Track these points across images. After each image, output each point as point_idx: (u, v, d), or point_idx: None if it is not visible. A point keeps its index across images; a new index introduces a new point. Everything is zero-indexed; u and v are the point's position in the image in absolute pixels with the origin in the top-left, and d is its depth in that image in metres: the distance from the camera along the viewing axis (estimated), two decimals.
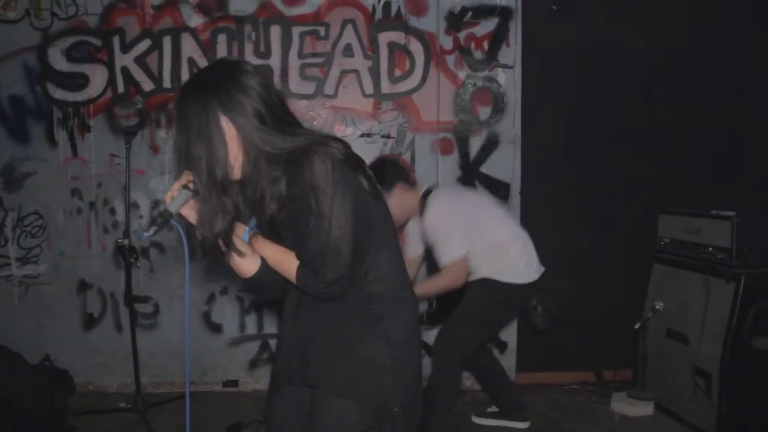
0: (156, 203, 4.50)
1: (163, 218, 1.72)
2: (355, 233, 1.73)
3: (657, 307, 4.20)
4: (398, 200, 3.49)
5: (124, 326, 4.52)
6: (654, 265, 4.40)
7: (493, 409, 4.10)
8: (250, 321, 4.61)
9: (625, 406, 4.22)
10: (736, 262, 3.78)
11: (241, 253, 1.82)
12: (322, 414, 1.84)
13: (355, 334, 1.84)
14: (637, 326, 4.23)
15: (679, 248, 4.24)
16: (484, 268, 3.60)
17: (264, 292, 1.95)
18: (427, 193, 3.59)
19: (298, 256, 1.78)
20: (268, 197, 1.76)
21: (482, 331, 3.82)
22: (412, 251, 3.82)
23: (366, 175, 1.81)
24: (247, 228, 1.86)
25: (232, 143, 1.73)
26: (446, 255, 3.51)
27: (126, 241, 3.94)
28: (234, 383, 4.62)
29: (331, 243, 1.69)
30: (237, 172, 1.77)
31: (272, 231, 1.83)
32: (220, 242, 1.79)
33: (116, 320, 4.57)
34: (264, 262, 1.87)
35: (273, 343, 4.50)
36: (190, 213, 1.79)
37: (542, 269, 3.70)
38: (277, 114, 1.77)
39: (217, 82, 1.75)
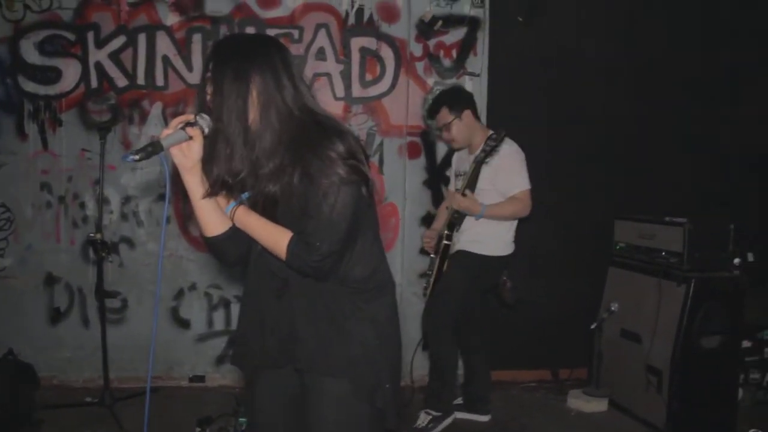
0: (127, 198, 4.53)
1: (153, 148, 1.72)
2: (353, 217, 1.83)
3: (612, 308, 4.40)
4: (463, 124, 3.96)
5: (91, 321, 4.53)
6: (610, 269, 4.61)
7: (458, 401, 4.23)
8: (218, 317, 4.67)
9: (580, 402, 4.41)
10: (687, 266, 4.00)
11: (235, 200, 1.91)
12: (318, 395, 1.92)
13: (344, 317, 1.92)
14: (593, 326, 4.42)
15: (633, 252, 4.45)
16: (474, 232, 3.93)
17: (220, 254, 2.01)
18: (496, 136, 3.82)
19: (295, 230, 1.83)
20: (274, 180, 1.83)
21: (465, 301, 4.02)
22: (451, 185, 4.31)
23: (365, 179, 1.86)
24: (234, 201, 1.92)
25: (256, 102, 1.82)
26: (519, 185, 3.87)
27: (98, 236, 3.97)
28: (201, 378, 4.66)
29: (334, 218, 1.78)
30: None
31: (267, 207, 1.88)
32: (221, 185, 1.85)
33: (83, 315, 4.56)
34: (232, 229, 1.93)
35: None
36: (178, 154, 1.82)
37: (514, 246, 4.03)
38: (305, 94, 1.89)
39: (264, 47, 1.88)
